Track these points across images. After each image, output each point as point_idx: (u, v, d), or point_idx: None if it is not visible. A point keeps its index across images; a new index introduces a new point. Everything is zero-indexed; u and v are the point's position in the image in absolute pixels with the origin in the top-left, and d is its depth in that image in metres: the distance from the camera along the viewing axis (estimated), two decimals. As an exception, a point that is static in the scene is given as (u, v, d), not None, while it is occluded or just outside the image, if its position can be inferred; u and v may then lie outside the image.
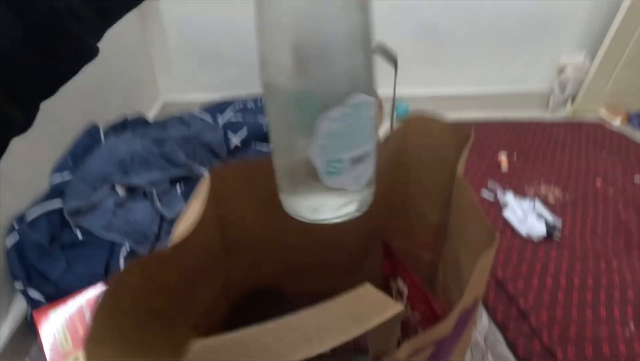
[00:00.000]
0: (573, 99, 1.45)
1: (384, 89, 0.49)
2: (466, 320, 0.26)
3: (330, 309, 0.14)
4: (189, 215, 0.30)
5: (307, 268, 0.48)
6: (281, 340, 0.12)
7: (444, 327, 0.22)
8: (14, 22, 0.15)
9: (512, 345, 0.59)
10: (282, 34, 0.18)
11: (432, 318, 0.42)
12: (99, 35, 0.20)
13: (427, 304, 0.42)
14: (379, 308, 0.14)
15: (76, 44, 0.18)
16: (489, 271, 0.26)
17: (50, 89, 0.19)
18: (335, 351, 0.30)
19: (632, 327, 0.64)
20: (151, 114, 1.22)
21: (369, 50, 0.20)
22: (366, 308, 0.14)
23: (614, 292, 0.70)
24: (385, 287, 0.53)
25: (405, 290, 0.46)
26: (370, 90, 0.21)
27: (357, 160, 0.23)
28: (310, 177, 0.23)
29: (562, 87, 1.44)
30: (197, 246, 0.33)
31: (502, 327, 0.62)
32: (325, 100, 0.19)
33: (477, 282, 0.25)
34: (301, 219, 0.26)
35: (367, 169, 0.25)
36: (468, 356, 0.54)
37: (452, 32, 1.32)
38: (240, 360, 0.12)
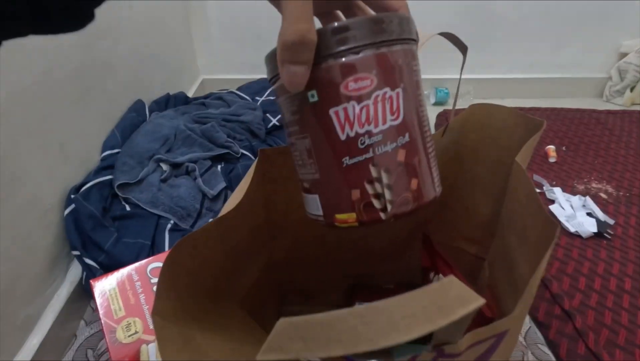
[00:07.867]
0: (632, 88, 1.35)
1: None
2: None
3: (417, 298, 0.13)
4: (236, 195, 0.31)
5: (349, 251, 0.48)
6: (368, 324, 0.12)
7: (510, 320, 0.21)
8: None
9: (553, 345, 0.57)
10: None
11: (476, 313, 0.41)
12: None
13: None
14: (464, 299, 0.14)
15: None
16: (546, 265, 0.25)
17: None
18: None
19: (689, 336, 0.59)
20: (191, 92, 1.25)
21: None
22: (452, 299, 0.14)
23: (669, 298, 0.65)
24: (424, 277, 0.52)
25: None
26: None
27: None
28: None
29: (622, 74, 1.33)
30: (242, 225, 0.34)
31: (544, 326, 0.60)
32: None
33: (539, 277, 0.24)
34: None
35: None
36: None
37: (503, 13, 1.24)
38: (326, 340, 0.12)
